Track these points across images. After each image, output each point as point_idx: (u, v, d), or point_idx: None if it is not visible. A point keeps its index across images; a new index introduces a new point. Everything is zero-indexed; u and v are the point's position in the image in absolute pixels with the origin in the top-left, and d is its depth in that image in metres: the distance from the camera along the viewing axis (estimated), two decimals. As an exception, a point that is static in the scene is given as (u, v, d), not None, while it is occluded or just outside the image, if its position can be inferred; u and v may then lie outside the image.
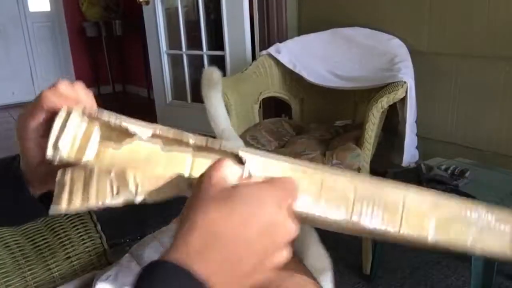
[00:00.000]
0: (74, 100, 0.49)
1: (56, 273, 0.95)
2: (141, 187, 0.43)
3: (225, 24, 3.04)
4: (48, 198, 0.48)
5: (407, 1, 2.20)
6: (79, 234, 0.98)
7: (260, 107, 2.38)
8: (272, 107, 2.70)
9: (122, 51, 5.80)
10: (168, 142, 0.45)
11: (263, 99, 2.38)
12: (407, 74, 1.95)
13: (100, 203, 0.44)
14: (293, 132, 2.23)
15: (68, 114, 0.45)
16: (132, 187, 0.43)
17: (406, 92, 1.89)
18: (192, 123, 3.44)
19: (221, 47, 3.17)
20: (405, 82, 1.88)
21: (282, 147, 2.03)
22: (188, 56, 3.59)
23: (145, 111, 4.39)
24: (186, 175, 0.44)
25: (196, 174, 0.44)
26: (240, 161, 0.43)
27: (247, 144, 2.03)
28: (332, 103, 2.39)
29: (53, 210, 0.44)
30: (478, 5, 1.93)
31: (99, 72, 5.68)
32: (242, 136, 2.10)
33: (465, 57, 2.02)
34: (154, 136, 0.44)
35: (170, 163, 0.44)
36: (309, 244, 0.76)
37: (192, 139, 0.44)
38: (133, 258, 0.89)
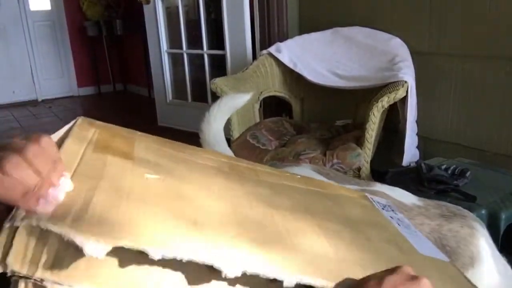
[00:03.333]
0: (24, 192, 0.40)
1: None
2: None
3: (226, 23, 3.04)
4: None
5: (408, 1, 2.20)
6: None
7: (260, 106, 2.38)
8: (273, 107, 2.70)
9: (123, 50, 5.80)
10: (130, 253, 0.39)
11: (264, 99, 2.39)
12: (407, 73, 1.95)
13: None
14: (294, 131, 2.24)
15: (14, 230, 0.39)
16: None
17: (407, 91, 1.89)
18: (192, 122, 3.44)
19: (221, 46, 3.18)
20: (405, 82, 1.89)
21: (283, 146, 2.03)
22: (189, 55, 3.59)
23: (145, 110, 4.40)
24: None
25: None
26: None
27: (248, 143, 2.03)
28: (333, 102, 2.39)
29: None
30: (478, 5, 1.93)
31: (99, 71, 5.68)
32: (243, 135, 2.10)
33: (465, 57, 2.02)
34: (111, 253, 0.38)
35: (131, 283, 0.40)
36: None
37: (158, 254, 0.39)
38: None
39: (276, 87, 2.43)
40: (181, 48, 3.58)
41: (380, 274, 0.44)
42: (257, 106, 2.33)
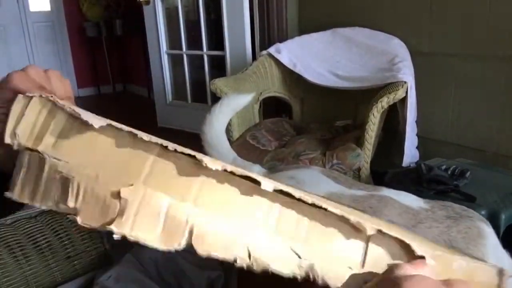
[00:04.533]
0: (42, 86, 0.47)
1: (57, 273, 0.95)
2: (80, 202, 0.41)
3: (225, 24, 3.04)
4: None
5: (408, 1, 2.20)
6: (80, 234, 0.98)
7: (260, 107, 2.38)
8: (273, 107, 2.70)
9: (123, 51, 5.80)
10: (125, 137, 0.43)
11: (264, 99, 2.39)
12: (407, 74, 1.95)
13: (44, 206, 0.42)
14: (294, 132, 2.24)
15: (29, 100, 0.43)
16: (71, 201, 0.41)
17: (407, 92, 1.89)
18: (192, 123, 3.45)
19: (221, 47, 3.18)
20: (405, 82, 1.89)
21: (283, 147, 2.03)
22: (189, 56, 3.59)
23: (145, 111, 4.39)
24: (143, 176, 0.41)
25: (156, 177, 0.41)
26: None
27: (248, 143, 2.03)
28: (333, 103, 2.39)
29: (9, 194, 0.43)
30: (478, 5, 1.93)
31: (99, 72, 5.68)
32: (243, 136, 2.10)
33: (465, 57, 2.02)
34: (109, 126, 0.42)
35: (124, 164, 0.42)
36: None
37: (146, 137, 0.42)
38: (134, 257, 0.89)
39: (276, 88, 2.43)
40: (181, 49, 3.58)
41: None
42: (256, 106, 2.33)
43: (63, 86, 0.49)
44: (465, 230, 0.89)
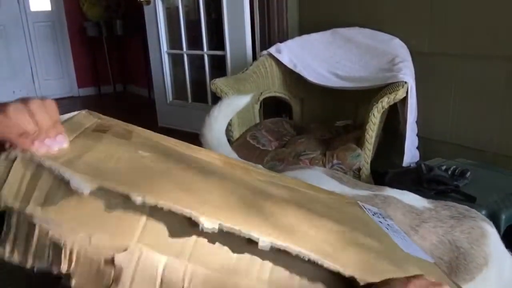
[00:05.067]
0: (24, 132, 0.43)
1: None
2: (74, 266, 0.40)
3: (226, 24, 3.04)
4: None
5: (408, 2, 2.20)
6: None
7: (260, 107, 2.38)
8: (273, 107, 2.70)
9: (123, 51, 5.80)
10: (116, 198, 0.41)
11: (264, 99, 2.39)
12: (407, 74, 1.95)
13: (36, 266, 0.41)
14: (294, 132, 2.24)
15: (11, 162, 0.41)
16: (64, 266, 0.40)
17: (407, 92, 1.89)
18: (193, 123, 3.45)
19: (221, 47, 3.18)
20: (405, 83, 1.88)
21: (283, 147, 2.03)
22: (189, 56, 3.59)
23: (146, 111, 4.40)
24: (136, 237, 0.41)
25: (149, 238, 0.41)
26: None
27: (248, 143, 2.03)
28: (333, 103, 2.39)
29: (0, 251, 0.41)
30: (478, 5, 1.93)
31: (99, 72, 5.68)
32: (243, 136, 2.10)
33: (465, 57, 2.02)
34: (100, 189, 0.40)
35: (116, 226, 0.41)
36: None
37: (139, 198, 0.40)
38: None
39: (276, 88, 2.43)
40: (181, 48, 3.58)
41: (404, 279, 0.45)
42: (257, 106, 2.33)
43: (47, 113, 0.47)
44: (469, 230, 0.90)
